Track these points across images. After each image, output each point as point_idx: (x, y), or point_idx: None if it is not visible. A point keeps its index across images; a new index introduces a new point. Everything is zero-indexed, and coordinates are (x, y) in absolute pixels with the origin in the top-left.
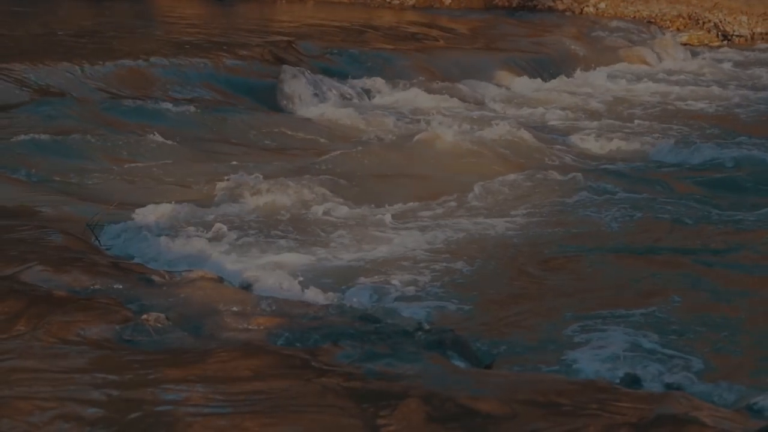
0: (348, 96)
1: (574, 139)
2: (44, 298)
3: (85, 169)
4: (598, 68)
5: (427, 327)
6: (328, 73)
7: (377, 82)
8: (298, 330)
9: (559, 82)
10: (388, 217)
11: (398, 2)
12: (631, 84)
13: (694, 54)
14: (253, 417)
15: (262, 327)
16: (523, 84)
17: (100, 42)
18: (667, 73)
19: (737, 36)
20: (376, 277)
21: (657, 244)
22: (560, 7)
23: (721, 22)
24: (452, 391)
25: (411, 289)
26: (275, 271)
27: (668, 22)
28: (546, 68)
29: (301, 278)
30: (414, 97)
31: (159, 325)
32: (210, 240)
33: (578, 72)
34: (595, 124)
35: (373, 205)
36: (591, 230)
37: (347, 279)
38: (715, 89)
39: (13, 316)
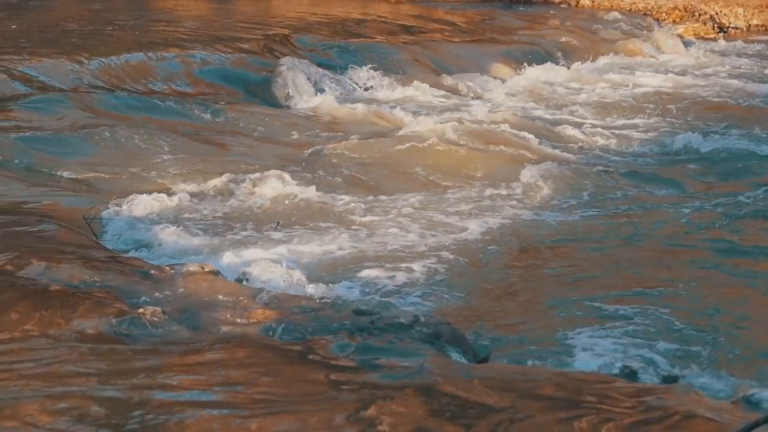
0: (344, 89)
1: (571, 131)
2: (41, 292)
3: (82, 162)
4: (594, 60)
5: (423, 320)
6: (324, 66)
7: (373, 75)
8: (294, 323)
9: (555, 74)
10: (385, 210)
11: None
12: (626, 76)
13: (691, 46)
14: (249, 410)
15: (258, 320)
16: (519, 76)
17: (96, 36)
18: (664, 65)
19: (733, 28)
20: (372, 270)
21: (653, 237)
22: None
23: (717, 14)
24: (448, 384)
25: (408, 283)
26: (271, 265)
27: (664, 14)
28: (542, 60)
29: (297, 271)
30: (410, 89)
31: (155, 318)
32: (207, 233)
33: (574, 64)
34: (592, 116)
35: (369, 198)
36: (588, 223)
37: (344, 272)
38: (712, 80)
39: (9, 309)
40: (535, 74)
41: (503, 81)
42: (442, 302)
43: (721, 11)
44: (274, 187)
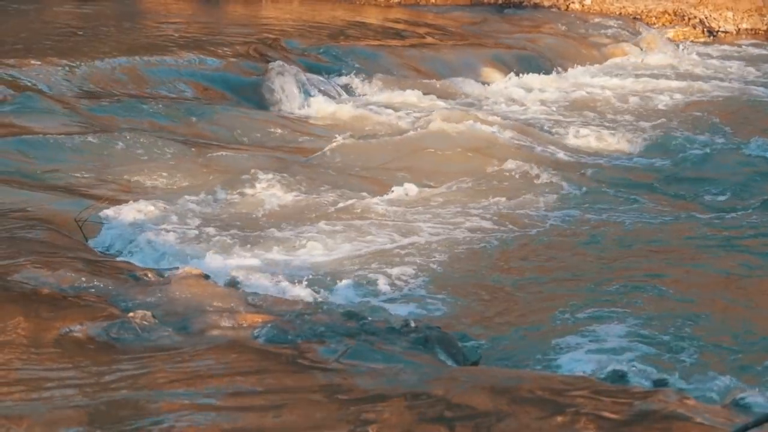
0: (333, 93)
1: (561, 135)
2: (30, 296)
3: (72, 166)
4: (584, 64)
5: (413, 324)
6: (314, 70)
7: (363, 79)
8: (284, 327)
9: (545, 78)
10: (374, 214)
11: None
12: (617, 80)
13: (680, 50)
14: (240, 414)
15: (247, 324)
16: (509, 81)
17: (87, 40)
18: (654, 69)
19: (723, 32)
20: (362, 273)
21: (643, 240)
22: (546, 3)
23: (706, 18)
24: (438, 387)
25: (398, 286)
26: (262, 268)
27: (654, 18)
28: (532, 65)
29: (287, 275)
30: (399, 94)
31: (145, 323)
32: (197, 237)
33: (564, 68)
34: (581, 120)
35: (359, 202)
36: (579, 226)
37: (333, 276)
38: (701, 84)
39: None
40: (524, 78)
41: (492, 85)
42: (432, 306)
43: (710, 15)
44: (263, 190)
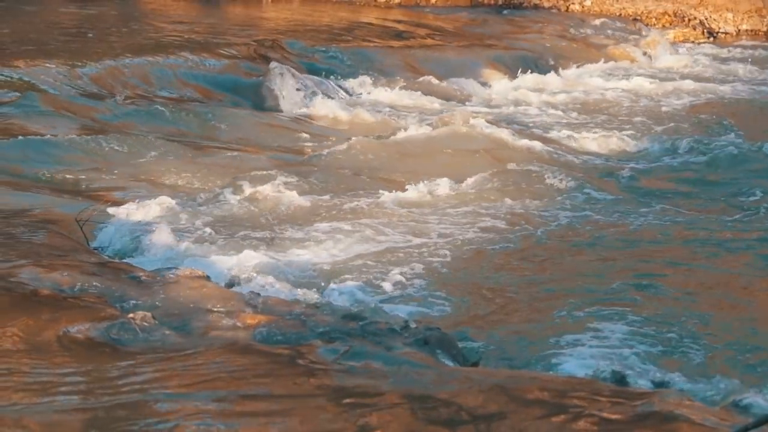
0: (333, 94)
1: (560, 136)
2: (30, 297)
3: (73, 167)
4: (584, 66)
5: (413, 325)
6: (314, 71)
7: (363, 80)
8: (284, 328)
9: (546, 79)
10: (374, 215)
11: (384, 0)
12: (616, 81)
13: (681, 51)
14: (240, 415)
15: (248, 325)
16: (509, 82)
17: (87, 42)
18: (654, 69)
19: (723, 33)
20: (362, 274)
21: (644, 241)
22: (546, 4)
23: (706, 19)
24: (438, 388)
25: (398, 287)
26: (262, 269)
27: (654, 19)
28: (534, 66)
29: (288, 276)
30: (399, 94)
31: (145, 323)
32: (197, 238)
33: (564, 70)
34: (581, 121)
35: (359, 203)
36: (579, 227)
37: (335, 276)
38: (702, 85)
39: None
40: (524, 79)
41: (493, 86)
42: (433, 306)
43: (710, 16)
44: (264, 191)
